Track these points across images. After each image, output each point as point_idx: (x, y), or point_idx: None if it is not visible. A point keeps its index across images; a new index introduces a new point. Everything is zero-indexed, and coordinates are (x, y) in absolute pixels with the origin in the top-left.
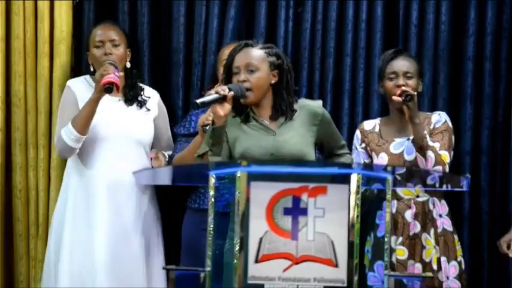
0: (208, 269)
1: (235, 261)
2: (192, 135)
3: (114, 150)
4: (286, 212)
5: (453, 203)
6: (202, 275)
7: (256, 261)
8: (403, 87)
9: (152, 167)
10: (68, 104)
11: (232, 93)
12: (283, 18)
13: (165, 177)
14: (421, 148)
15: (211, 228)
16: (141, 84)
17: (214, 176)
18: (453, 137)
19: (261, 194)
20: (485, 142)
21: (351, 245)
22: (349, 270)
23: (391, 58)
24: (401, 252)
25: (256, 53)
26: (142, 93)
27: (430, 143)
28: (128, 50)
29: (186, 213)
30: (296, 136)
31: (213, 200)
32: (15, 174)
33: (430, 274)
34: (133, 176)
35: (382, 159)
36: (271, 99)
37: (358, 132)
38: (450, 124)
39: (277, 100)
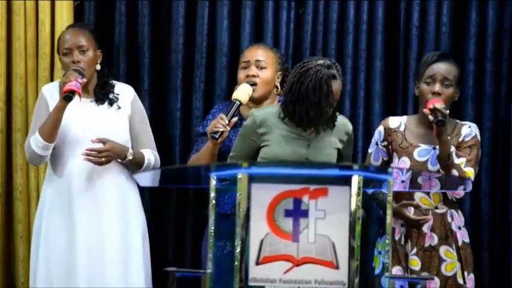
0: (209, 270)
1: (236, 263)
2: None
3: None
4: (287, 213)
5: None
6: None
7: (257, 263)
8: (436, 104)
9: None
10: (39, 110)
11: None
12: (284, 19)
13: (165, 179)
14: (447, 167)
15: (212, 230)
16: (114, 82)
17: (215, 177)
18: (480, 151)
19: (262, 196)
20: (486, 143)
21: (351, 246)
22: (350, 272)
23: (434, 61)
24: (416, 263)
25: None
26: (112, 90)
27: (456, 161)
28: (98, 51)
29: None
30: (328, 147)
31: (214, 201)
32: (16, 175)
33: (432, 276)
34: (135, 177)
35: (404, 163)
36: None
37: (381, 128)
38: (479, 138)
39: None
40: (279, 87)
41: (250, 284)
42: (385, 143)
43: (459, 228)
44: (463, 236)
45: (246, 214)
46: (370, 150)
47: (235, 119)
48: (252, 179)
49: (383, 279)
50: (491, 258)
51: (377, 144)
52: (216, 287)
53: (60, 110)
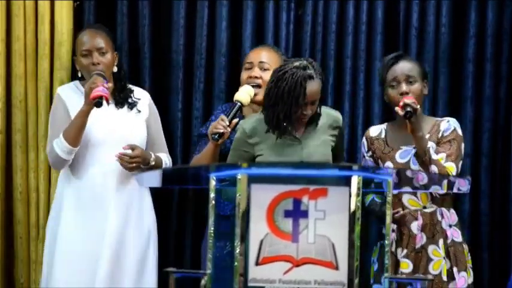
0: (209, 271)
1: (236, 263)
2: None
3: (107, 155)
4: (287, 214)
5: (453, 205)
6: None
7: (257, 263)
8: (405, 100)
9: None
10: (58, 113)
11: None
12: (284, 20)
13: (165, 179)
14: (424, 163)
15: (211, 231)
16: (130, 86)
17: (214, 178)
18: (463, 145)
19: (262, 196)
20: (486, 144)
21: (351, 247)
22: (350, 272)
23: (392, 64)
24: (406, 265)
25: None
26: (132, 95)
27: (434, 156)
28: (115, 53)
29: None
30: (322, 145)
31: (213, 202)
32: (16, 176)
33: (431, 277)
34: (135, 179)
35: (387, 167)
36: None
37: (364, 140)
38: (460, 132)
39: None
40: None
41: (250, 284)
42: (370, 153)
43: (449, 226)
44: (453, 235)
45: (246, 215)
46: (362, 163)
47: (236, 120)
48: (252, 179)
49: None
50: (491, 258)
51: (364, 156)
52: (215, 287)
53: (85, 114)
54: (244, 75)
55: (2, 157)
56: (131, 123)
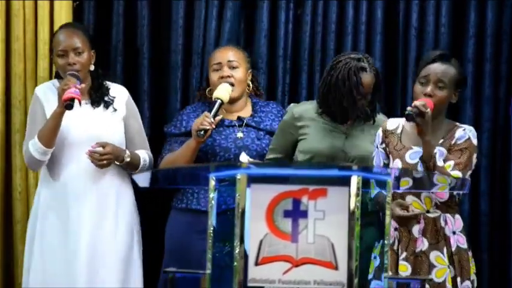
0: (208, 271)
1: (235, 263)
2: (183, 134)
3: (82, 154)
4: (286, 214)
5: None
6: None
7: (256, 263)
8: (416, 102)
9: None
10: (34, 113)
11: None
12: (283, 20)
13: (163, 179)
14: (428, 168)
15: (211, 231)
16: (108, 83)
17: (214, 178)
18: (475, 156)
19: (261, 196)
20: (485, 144)
21: (351, 247)
22: (349, 272)
23: (431, 61)
24: (405, 268)
25: None
26: (108, 93)
27: (440, 163)
28: (92, 52)
29: (172, 213)
30: (365, 141)
31: (213, 202)
32: (15, 175)
33: (430, 277)
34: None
35: (396, 166)
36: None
37: (380, 131)
38: (474, 141)
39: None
40: (251, 85)
41: (249, 284)
42: (383, 145)
43: (454, 233)
44: (458, 241)
45: (245, 214)
46: (373, 154)
47: (219, 117)
48: (251, 179)
49: (373, 283)
50: (490, 259)
51: (377, 147)
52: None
53: (59, 115)
54: (214, 76)
55: (2, 157)
56: (107, 122)
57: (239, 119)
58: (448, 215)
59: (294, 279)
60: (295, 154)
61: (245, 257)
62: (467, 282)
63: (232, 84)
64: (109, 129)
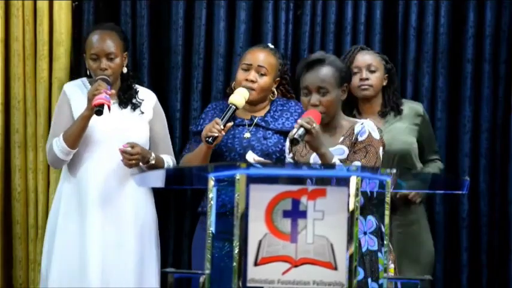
0: (207, 271)
1: (235, 264)
2: (200, 132)
3: (107, 154)
4: (286, 214)
5: (452, 206)
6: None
7: (256, 264)
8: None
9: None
10: (61, 111)
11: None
12: (283, 20)
13: (163, 179)
14: None
15: (210, 231)
16: (137, 86)
17: (213, 178)
18: (381, 150)
19: (260, 197)
20: (484, 144)
21: (350, 247)
22: (349, 273)
23: (305, 70)
24: None
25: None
26: (136, 95)
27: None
28: (125, 55)
29: (200, 219)
30: (403, 133)
31: (212, 202)
32: (15, 176)
33: (429, 277)
34: (132, 179)
35: None
36: (381, 99)
37: (288, 141)
38: (375, 135)
39: (385, 100)
40: (275, 92)
41: (249, 285)
42: (291, 154)
43: (364, 233)
44: (368, 243)
45: (244, 215)
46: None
47: (230, 124)
48: (250, 179)
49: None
50: (490, 259)
51: (285, 157)
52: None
53: (87, 119)
54: (241, 75)
55: (1, 157)
56: (133, 124)
57: (251, 119)
58: (360, 216)
59: (293, 280)
60: None
61: (244, 257)
62: (375, 284)
63: (252, 89)
64: (135, 130)
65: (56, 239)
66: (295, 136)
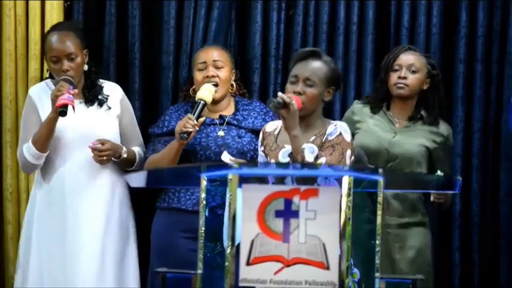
0: (200, 271)
1: (227, 263)
2: (166, 134)
3: (76, 153)
4: (278, 214)
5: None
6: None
7: (248, 263)
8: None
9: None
10: (28, 115)
11: None
12: (275, 20)
13: (154, 179)
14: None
15: (202, 231)
16: (102, 81)
17: (206, 178)
18: (348, 152)
19: (253, 197)
20: (476, 144)
21: (342, 247)
22: (341, 272)
23: (301, 59)
24: None
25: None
26: (102, 91)
27: (309, 159)
28: (85, 52)
29: (156, 213)
30: (414, 142)
31: (204, 202)
32: (6, 176)
33: (421, 276)
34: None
35: None
36: (415, 102)
37: (261, 134)
38: (347, 137)
39: (420, 105)
40: (234, 85)
41: (241, 284)
42: (262, 147)
43: None
44: None
45: (236, 215)
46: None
47: (202, 119)
48: (243, 179)
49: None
50: (481, 259)
51: (257, 149)
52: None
53: (53, 121)
54: (199, 75)
55: None
56: (101, 120)
57: (221, 117)
58: None
59: (286, 279)
60: None
61: (237, 257)
62: None
63: (216, 85)
64: (103, 127)
65: (32, 244)
66: (273, 100)
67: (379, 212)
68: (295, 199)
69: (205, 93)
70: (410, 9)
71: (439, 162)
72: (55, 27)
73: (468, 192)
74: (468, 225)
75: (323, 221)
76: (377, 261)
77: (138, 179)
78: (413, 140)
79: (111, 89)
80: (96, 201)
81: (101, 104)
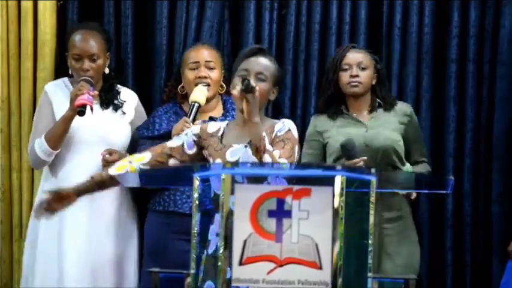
0: (192, 271)
1: (220, 263)
2: (156, 137)
3: (88, 155)
4: (271, 214)
5: (436, 205)
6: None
7: (241, 263)
8: (248, 78)
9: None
10: (43, 111)
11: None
12: (267, 20)
13: (147, 179)
14: (257, 150)
15: (195, 231)
16: (119, 87)
17: (198, 178)
18: (296, 148)
19: (246, 197)
20: (469, 144)
21: (334, 247)
22: (334, 272)
23: (251, 54)
24: None
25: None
26: (118, 96)
27: (269, 148)
28: (107, 55)
29: (149, 215)
30: (387, 129)
31: (197, 202)
32: None
33: (414, 276)
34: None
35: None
36: (369, 97)
37: (199, 128)
38: (295, 133)
39: (378, 97)
40: (224, 86)
41: (234, 284)
42: (199, 141)
43: (217, 235)
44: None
45: (230, 215)
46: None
47: (198, 121)
48: (236, 179)
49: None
50: (473, 259)
51: (186, 134)
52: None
53: (69, 119)
54: (190, 75)
55: None
56: (114, 125)
57: (211, 118)
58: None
59: (278, 279)
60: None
61: (229, 257)
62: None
63: (208, 85)
64: (116, 131)
65: (38, 241)
66: (246, 81)
67: (371, 212)
68: (288, 199)
69: (199, 95)
70: (402, 9)
71: (415, 142)
72: (81, 26)
73: (460, 192)
74: (460, 225)
75: (316, 220)
76: (370, 260)
77: (131, 179)
78: (386, 129)
79: (128, 95)
80: (104, 203)
81: (116, 108)
